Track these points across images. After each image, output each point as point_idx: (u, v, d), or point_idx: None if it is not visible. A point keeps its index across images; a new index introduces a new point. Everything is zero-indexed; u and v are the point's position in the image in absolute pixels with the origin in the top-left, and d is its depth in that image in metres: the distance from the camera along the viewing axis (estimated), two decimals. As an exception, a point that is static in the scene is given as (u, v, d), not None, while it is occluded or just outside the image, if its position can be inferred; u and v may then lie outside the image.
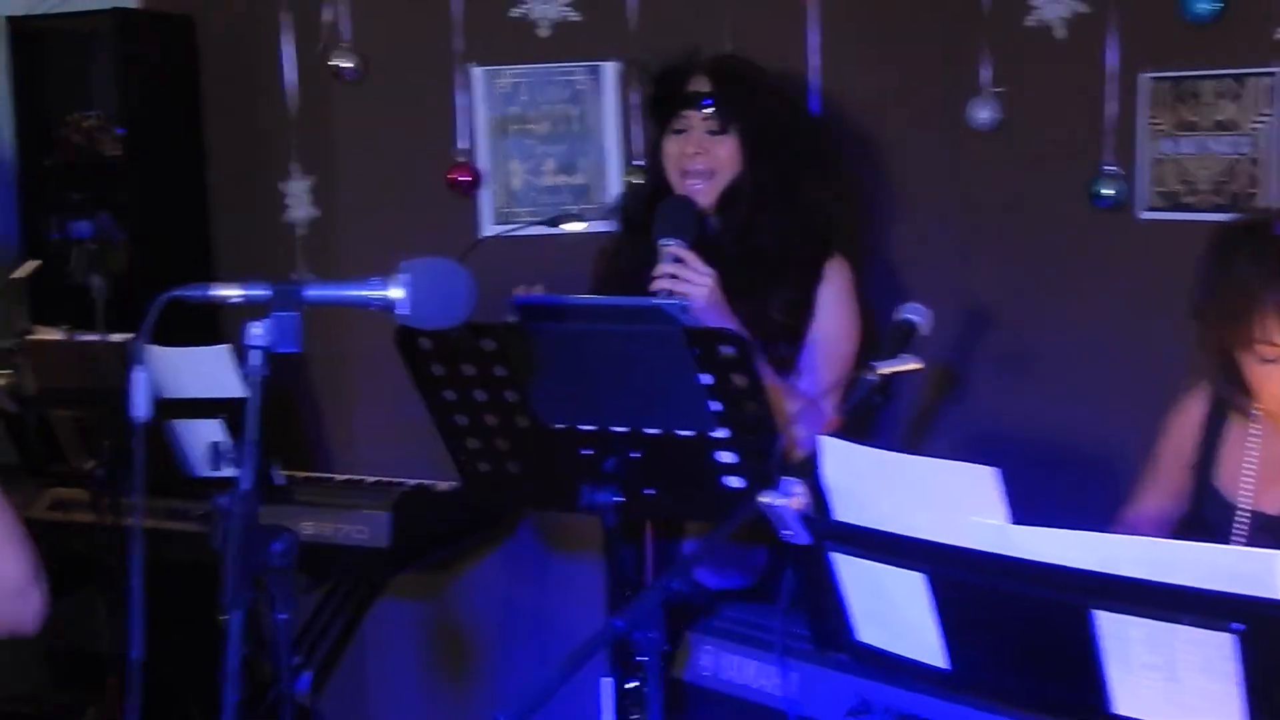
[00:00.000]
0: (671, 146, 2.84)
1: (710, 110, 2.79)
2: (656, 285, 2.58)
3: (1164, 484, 2.56)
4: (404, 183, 3.75)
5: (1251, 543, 2.31)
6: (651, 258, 2.66)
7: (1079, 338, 3.37)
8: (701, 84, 2.82)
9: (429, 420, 2.51)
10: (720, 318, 2.59)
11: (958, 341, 3.37)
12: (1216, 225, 2.45)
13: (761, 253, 2.77)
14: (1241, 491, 2.38)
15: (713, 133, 2.80)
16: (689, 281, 2.58)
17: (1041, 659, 1.78)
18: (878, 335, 3.38)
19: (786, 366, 2.78)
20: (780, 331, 2.76)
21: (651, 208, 2.79)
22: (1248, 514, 2.36)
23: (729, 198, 2.80)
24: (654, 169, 2.93)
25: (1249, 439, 2.39)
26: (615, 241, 3.01)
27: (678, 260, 2.61)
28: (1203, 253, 2.34)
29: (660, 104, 2.89)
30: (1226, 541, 2.32)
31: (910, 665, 1.95)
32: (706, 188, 2.80)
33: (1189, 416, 2.50)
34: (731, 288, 2.66)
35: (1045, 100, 3.34)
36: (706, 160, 2.79)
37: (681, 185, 2.81)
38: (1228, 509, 2.39)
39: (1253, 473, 2.37)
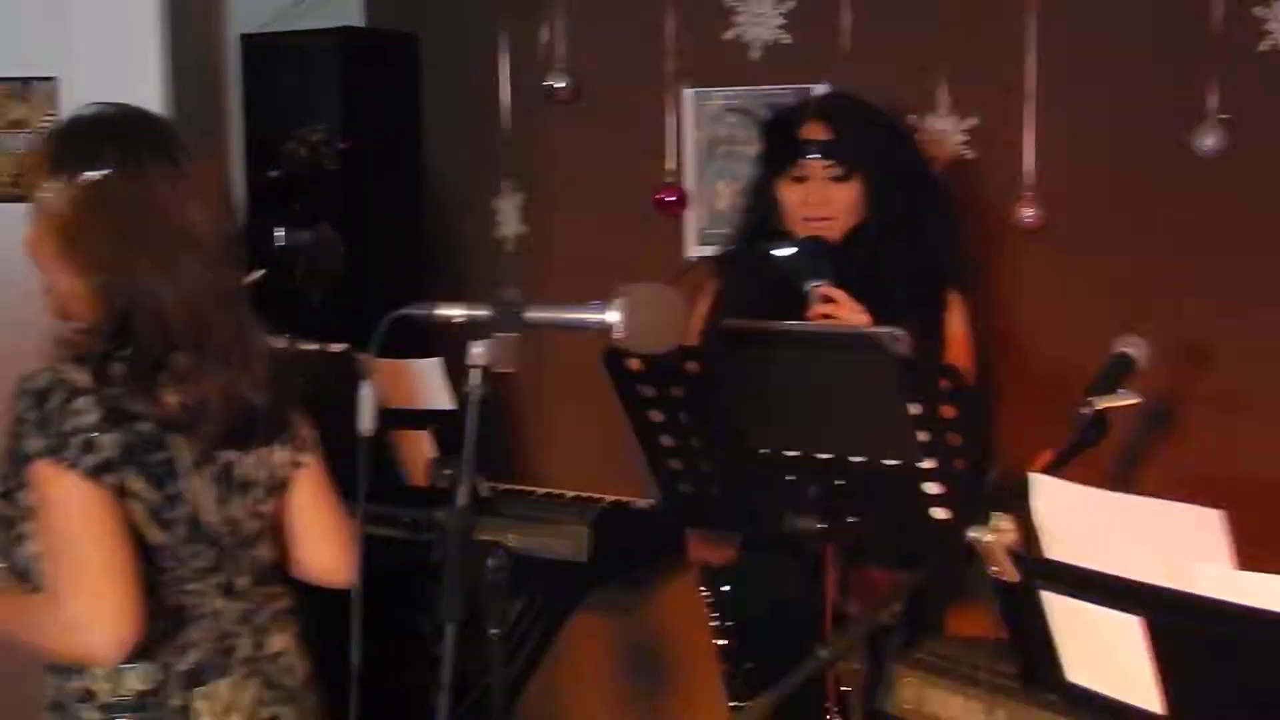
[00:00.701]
0: (791, 195, 2.82)
1: (833, 159, 2.77)
2: (817, 324, 2.58)
3: None
4: (611, 201, 3.80)
5: None
6: (781, 295, 2.69)
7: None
8: (819, 131, 2.80)
9: (626, 437, 2.53)
10: None
11: (1176, 377, 3.27)
12: None
13: (889, 287, 2.75)
14: None
15: (835, 179, 2.78)
16: (846, 320, 2.58)
17: (1266, 709, 1.71)
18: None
19: None
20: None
21: (761, 251, 2.80)
22: None
23: (852, 238, 2.79)
24: (760, 208, 2.90)
25: None
26: (727, 282, 2.96)
27: (828, 299, 2.60)
28: None
29: (776, 152, 2.85)
30: None
31: (1122, 709, 1.90)
32: (828, 230, 2.79)
33: None
34: None
35: (1275, 128, 3.21)
36: (829, 209, 2.79)
37: (803, 229, 2.80)
38: None
39: None
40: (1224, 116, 3.25)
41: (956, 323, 2.83)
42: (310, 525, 2.22)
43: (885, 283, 2.77)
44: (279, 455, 2.15)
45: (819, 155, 2.79)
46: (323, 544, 2.24)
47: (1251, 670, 1.69)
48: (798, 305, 2.74)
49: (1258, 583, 1.66)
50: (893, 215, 2.81)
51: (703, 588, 3.06)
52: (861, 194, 2.81)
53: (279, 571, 2.22)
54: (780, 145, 2.86)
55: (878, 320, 2.68)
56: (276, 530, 2.19)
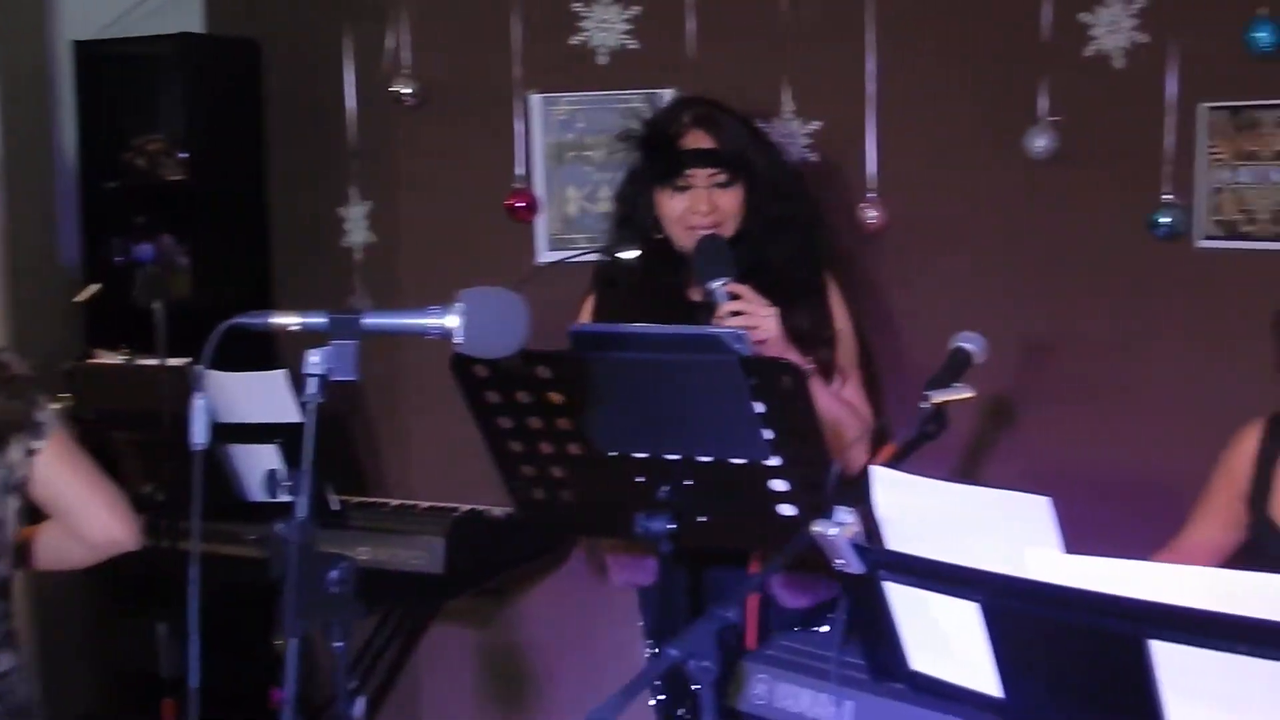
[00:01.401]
0: (675, 204, 2.84)
1: (718, 167, 2.81)
2: (726, 324, 2.60)
3: (1217, 514, 2.58)
4: (461, 208, 3.78)
5: None
6: (664, 298, 2.76)
7: (1135, 367, 3.34)
8: (702, 140, 2.84)
9: (480, 445, 2.52)
10: (785, 348, 2.66)
11: (1013, 372, 3.35)
12: None
13: (775, 278, 2.80)
14: None
15: (720, 185, 2.82)
16: (755, 315, 2.61)
17: (1097, 690, 1.76)
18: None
19: (830, 371, 2.85)
20: (814, 340, 2.82)
21: (647, 252, 2.86)
22: None
23: (739, 238, 2.84)
24: (637, 217, 2.93)
25: None
26: (606, 293, 2.98)
27: (734, 297, 2.63)
28: None
29: (660, 164, 2.87)
30: None
31: (965, 695, 1.94)
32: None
33: (1244, 447, 2.52)
34: None
35: (1103, 129, 3.32)
36: (716, 215, 2.82)
37: (688, 237, 2.83)
38: None
39: None
40: (1054, 119, 3.34)
41: (837, 304, 2.93)
42: (69, 498, 2.31)
43: (772, 275, 2.81)
44: (13, 454, 2.21)
45: (705, 164, 2.81)
46: (88, 511, 2.33)
47: (1080, 651, 1.74)
48: (687, 312, 2.77)
49: (1086, 566, 1.71)
50: (773, 214, 2.87)
51: (641, 623, 3.07)
52: (743, 196, 2.84)
53: (8, 589, 2.27)
54: (663, 157, 2.86)
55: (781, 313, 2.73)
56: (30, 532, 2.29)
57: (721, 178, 2.82)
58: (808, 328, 2.81)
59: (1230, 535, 2.55)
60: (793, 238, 2.89)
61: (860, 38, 3.46)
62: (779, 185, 2.91)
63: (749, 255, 2.81)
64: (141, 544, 2.44)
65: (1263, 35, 3.05)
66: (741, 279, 2.70)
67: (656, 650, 3.00)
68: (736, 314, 2.63)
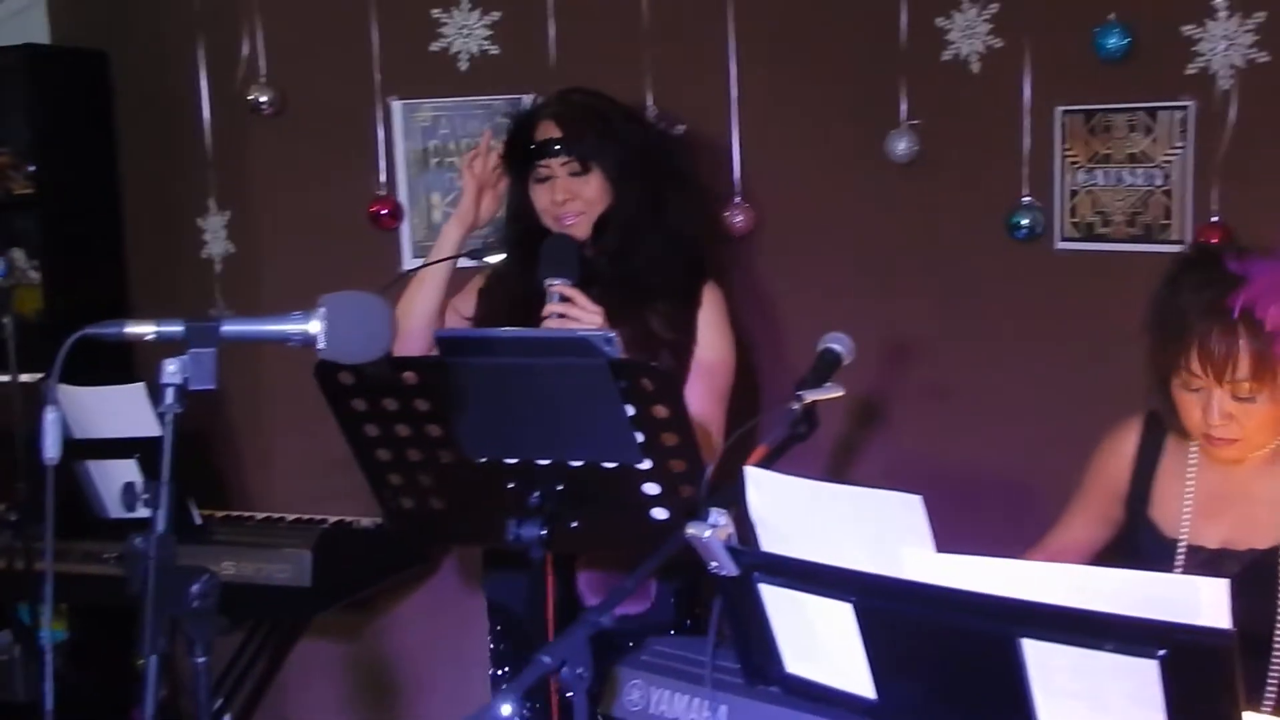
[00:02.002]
0: (540, 196, 2.85)
1: (568, 155, 2.81)
2: (549, 325, 2.60)
3: (1091, 512, 2.58)
4: (324, 217, 3.72)
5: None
6: (532, 294, 2.71)
7: (997, 367, 3.40)
8: (551, 130, 2.84)
9: (349, 456, 2.48)
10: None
11: (879, 372, 3.39)
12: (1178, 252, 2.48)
13: (637, 273, 2.80)
14: (1181, 526, 2.40)
15: (575, 174, 2.82)
16: (578, 319, 2.60)
17: (968, 688, 1.78)
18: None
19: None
20: (665, 347, 2.78)
21: (523, 247, 2.84)
22: (1185, 548, 2.38)
23: (600, 226, 2.84)
24: (520, 213, 2.92)
25: (1187, 472, 2.41)
26: (492, 281, 2.99)
27: (565, 299, 2.62)
28: (1160, 274, 2.38)
29: (516, 157, 2.88)
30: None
31: (839, 697, 1.95)
32: (580, 223, 2.83)
33: (1122, 447, 2.52)
34: (613, 310, 2.69)
35: (962, 133, 3.38)
36: (577, 204, 2.82)
37: (557, 227, 2.82)
38: (1166, 543, 2.40)
39: (1190, 507, 2.39)
40: (914, 123, 3.38)
41: (709, 313, 2.86)
42: None
43: (635, 271, 2.79)
44: None
45: (551, 154, 2.81)
46: None
47: (953, 651, 1.75)
48: (540, 308, 2.74)
49: (960, 565, 1.73)
50: (635, 200, 2.84)
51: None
52: (604, 181, 2.83)
53: None
54: (519, 150, 2.86)
55: (630, 310, 2.71)
56: None
57: (574, 166, 2.81)
58: (660, 330, 2.79)
59: (1101, 532, 2.56)
60: (660, 232, 2.86)
61: (722, 41, 3.48)
62: (644, 173, 2.87)
63: (610, 247, 2.81)
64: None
65: (1112, 40, 3.13)
66: (599, 274, 2.70)
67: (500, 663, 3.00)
68: (561, 316, 2.62)
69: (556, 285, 2.65)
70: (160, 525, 1.66)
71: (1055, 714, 1.68)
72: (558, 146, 2.80)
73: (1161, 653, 1.56)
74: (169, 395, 1.70)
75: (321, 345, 1.79)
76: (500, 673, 3.01)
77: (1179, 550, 2.38)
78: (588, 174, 2.82)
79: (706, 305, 2.87)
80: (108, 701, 3.70)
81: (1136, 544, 2.47)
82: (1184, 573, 2.32)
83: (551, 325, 2.60)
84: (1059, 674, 1.65)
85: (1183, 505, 2.40)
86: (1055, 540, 2.61)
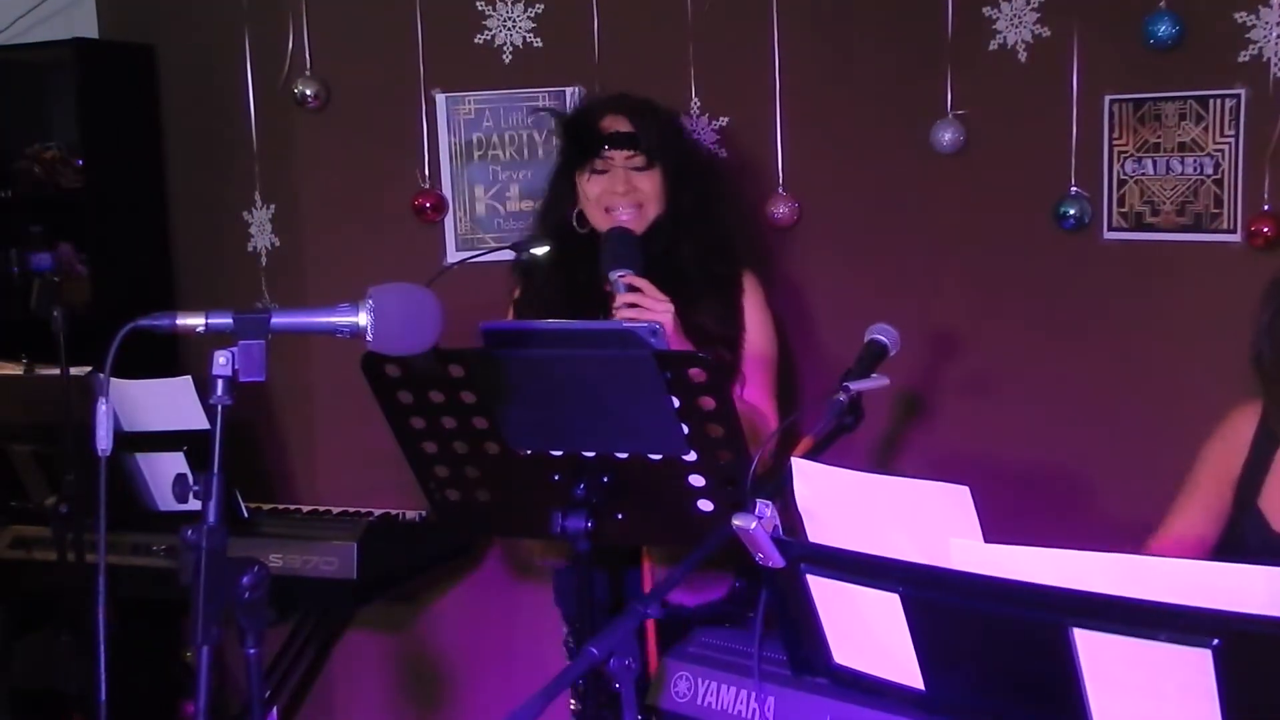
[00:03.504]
0: (594, 187, 2.84)
1: (635, 149, 2.81)
2: (620, 316, 2.59)
3: (1204, 505, 2.50)
4: (367, 210, 3.73)
5: None
6: (578, 288, 2.73)
7: (1043, 358, 3.38)
8: (620, 123, 2.84)
9: (394, 449, 2.48)
10: (681, 342, 2.61)
11: (925, 364, 3.38)
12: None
13: (686, 272, 2.80)
14: None
15: (637, 169, 2.82)
16: (650, 310, 2.59)
17: (1019, 679, 1.77)
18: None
19: (733, 375, 2.81)
20: (718, 341, 2.79)
21: (564, 241, 2.85)
22: None
23: (653, 228, 2.83)
24: (561, 205, 2.92)
25: None
26: (532, 280, 2.97)
27: (633, 289, 2.62)
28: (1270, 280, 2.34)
29: (579, 146, 2.87)
30: None
31: (887, 688, 1.94)
32: (634, 220, 2.82)
33: (1237, 433, 2.46)
34: None
35: (1009, 123, 3.35)
36: (635, 196, 2.82)
37: (607, 222, 2.82)
38: (1272, 538, 2.36)
39: None
40: (960, 113, 3.36)
41: (753, 304, 2.88)
42: None
43: (682, 269, 2.79)
44: None
45: (622, 145, 2.81)
46: None
47: (1003, 641, 1.74)
48: (601, 302, 2.73)
49: (1008, 555, 1.71)
50: (689, 203, 2.86)
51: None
52: (661, 183, 2.83)
53: None
54: (583, 139, 2.86)
55: (679, 307, 2.70)
56: None
57: (639, 160, 2.81)
58: (712, 325, 2.79)
59: (1214, 528, 2.49)
60: (707, 232, 2.87)
61: (766, 33, 3.46)
62: (696, 177, 2.90)
63: (661, 245, 2.80)
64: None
65: (1163, 28, 3.10)
66: (649, 272, 2.69)
67: (574, 638, 2.98)
68: (632, 305, 2.61)
69: (626, 277, 2.65)
70: (211, 517, 1.67)
71: (1107, 704, 1.67)
72: (626, 140, 2.81)
73: (1215, 642, 1.54)
74: (219, 387, 1.71)
75: (370, 337, 1.79)
76: None
77: None
78: (649, 171, 2.82)
79: (749, 297, 2.87)
80: (155, 694, 3.73)
81: (1241, 535, 2.42)
82: None
83: (625, 316, 2.59)
84: (1111, 664, 1.64)
85: None
86: (1173, 529, 2.52)
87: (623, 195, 2.80)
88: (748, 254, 2.98)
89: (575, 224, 2.88)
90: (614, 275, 2.65)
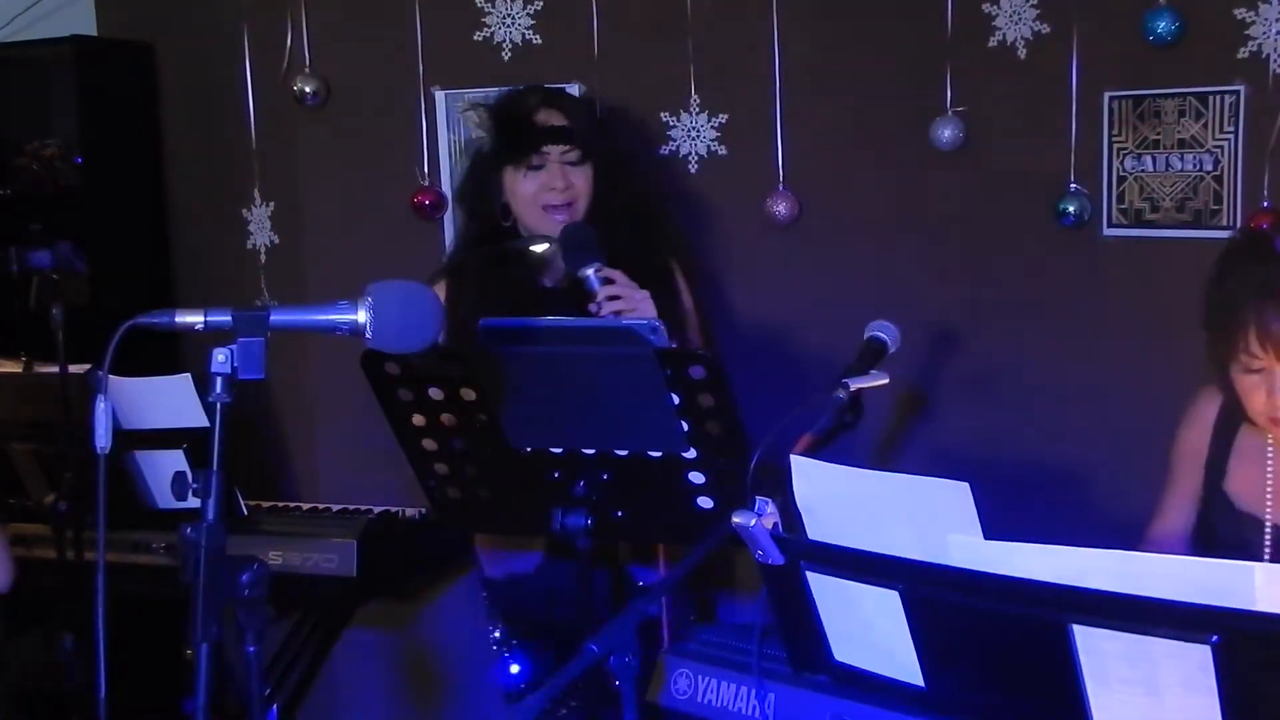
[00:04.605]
0: (528, 184, 2.84)
1: (570, 144, 2.82)
2: (606, 310, 2.59)
3: (1186, 493, 2.51)
4: (367, 207, 3.73)
5: (1275, 558, 2.31)
6: (525, 292, 2.76)
7: (1044, 355, 3.38)
8: (555, 117, 2.85)
9: (394, 446, 2.48)
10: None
11: (924, 361, 3.37)
12: (1227, 239, 2.44)
13: (621, 264, 2.77)
14: (1266, 506, 2.36)
15: (571, 164, 2.83)
16: (631, 299, 2.60)
17: (1018, 676, 1.77)
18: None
19: None
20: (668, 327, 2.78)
21: (492, 242, 2.85)
22: (1269, 528, 2.35)
23: (589, 221, 2.84)
24: (491, 205, 2.91)
25: (1268, 451, 2.38)
26: (461, 289, 2.91)
27: (608, 281, 2.62)
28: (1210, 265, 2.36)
29: (514, 141, 2.86)
30: (1252, 557, 2.30)
31: (887, 684, 1.94)
32: (569, 214, 2.83)
33: (1202, 417, 2.48)
34: None
35: (1008, 119, 3.35)
36: (570, 193, 2.83)
37: (542, 219, 2.82)
38: (1246, 521, 2.37)
39: (1272, 486, 2.36)
40: (960, 110, 3.36)
41: (684, 290, 2.92)
42: None
43: (618, 262, 2.77)
44: None
45: (559, 140, 2.82)
46: None
47: (1003, 638, 1.74)
48: (547, 299, 2.74)
49: (1008, 552, 1.71)
50: (620, 196, 2.88)
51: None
52: (593, 177, 2.85)
53: None
54: (519, 134, 2.85)
55: None
56: None
57: (573, 155, 2.83)
58: (660, 314, 2.79)
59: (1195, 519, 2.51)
60: (638, 223, 2.89)
61: (765, 29, 3.46)
62: (623, 169, 2.93)
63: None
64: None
65: (1162, 24, 3.09)
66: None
67: (504, 643, 3.00)
68: (614, 298, 2.62)
69: (598, 270, 2.65)
70: (210, 514, 1.67)
71: (1107, 701, 1.67)
72: (563, 134, 2.82)
73: (1214, 638, 1.54)
74: (218, 384, 1.70)
75: (369, 334, 1.79)
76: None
77: (1267, 531, 2.35)
78: (583, 165, 2.83)
79: (680, 287, 2.92)
80: (155, 692, 3.73)
81: (1210, 518, 2.44)
82: (1268, 554, 2.30)
83: (611, 310, 2.59)
84: (1111, 660, 1.64)
85: (1265, 485, 2.36)
86: (1164, 524, 2.54)
87: (561, 192, 2.80)
88: (672, 243, 3.01)
89: (501, 218, 2.87)
90: (585, 271, 2.65)
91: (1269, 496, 2.36)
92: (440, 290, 2.91)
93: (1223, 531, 2.39)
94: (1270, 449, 2.38)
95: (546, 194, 2.81)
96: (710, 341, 3.03)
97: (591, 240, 2.71)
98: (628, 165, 2.99)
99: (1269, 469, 2.37)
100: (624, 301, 2.61)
